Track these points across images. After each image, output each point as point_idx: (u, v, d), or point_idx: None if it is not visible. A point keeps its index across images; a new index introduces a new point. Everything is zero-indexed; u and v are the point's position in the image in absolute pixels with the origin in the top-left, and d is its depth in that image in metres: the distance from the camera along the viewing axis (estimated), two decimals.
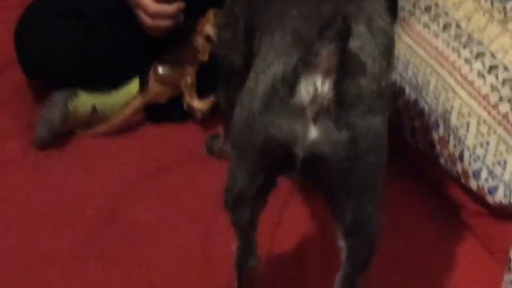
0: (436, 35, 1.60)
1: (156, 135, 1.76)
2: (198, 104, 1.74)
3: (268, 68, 1.17)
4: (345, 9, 1.18)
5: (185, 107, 1.75)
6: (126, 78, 1.76)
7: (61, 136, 1.71)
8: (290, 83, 1.13)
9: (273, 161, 1.18)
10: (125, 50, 1.73)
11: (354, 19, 1.15)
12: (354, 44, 1.14)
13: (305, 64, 1.12)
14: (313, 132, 1.13)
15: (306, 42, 1.14)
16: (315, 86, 1.11)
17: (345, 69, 1.12)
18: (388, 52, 1.23)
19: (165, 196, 1.61)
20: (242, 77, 1.25)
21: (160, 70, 1.73)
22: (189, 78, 1.74)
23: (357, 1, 1.23)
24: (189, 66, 1.74)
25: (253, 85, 1.19)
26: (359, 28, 1.17)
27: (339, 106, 1.12)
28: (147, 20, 1.65)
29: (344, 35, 1.11)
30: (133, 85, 1.77)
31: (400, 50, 1.65)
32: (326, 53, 1.10)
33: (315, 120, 1.12)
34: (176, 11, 1.65)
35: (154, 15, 1.64)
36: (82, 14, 1.71)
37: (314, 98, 1.11)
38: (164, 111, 1.76)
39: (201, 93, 1.75)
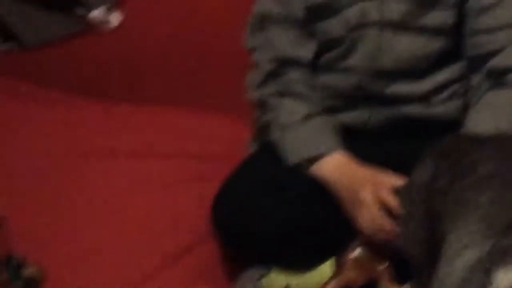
0: None
1: None
2: None
3: (462, 255, 1.15)
4: None
5: None
6: (321, 258, 1.76)
7: None
8: (486, 270, 1.11)
9: None
10: (323, 228, 1.74)
11: None
12: None
13: (502, 253, 1.10)
14: None
15: (498, 230, 1.12)
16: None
17: None
18: None
19: None
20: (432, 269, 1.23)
21: (358, 252, 1.72)
22: (387, 262, 1.72)
23: None
24: (387, 248, 1.72)
25: (446, 272, 1.16)
26: None
27: None
28: (368, 225, 1.65)
29: None
30: (327, 267, 1.76)
31: None
32: None
33: None
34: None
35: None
36: (284, 187, 1.74)
37: None
38: None
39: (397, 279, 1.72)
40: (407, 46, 1.74)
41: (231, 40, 2.13)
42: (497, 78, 1.71)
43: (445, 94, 1.78)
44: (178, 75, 2.34)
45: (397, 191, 1.58)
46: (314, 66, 1.82)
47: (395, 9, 1.73)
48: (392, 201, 1.60)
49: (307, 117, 1.77)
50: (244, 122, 2.01)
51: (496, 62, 1.72)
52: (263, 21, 1.82)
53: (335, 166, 1.71)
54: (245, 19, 1.90)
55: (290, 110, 1.79)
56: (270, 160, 1.78)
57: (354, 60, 1.77)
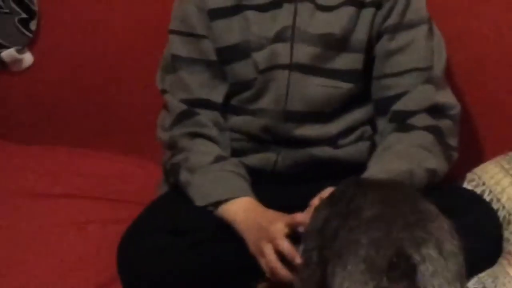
0: None
1: None
2: None
3: None
4: (414, 235, 1.18)
5: None
6: None
7: None
8: None
9: None
10: (227, 270, 1.71)
11: (424, 244, 1.16)
12: (426, 268, 1.14)
13: None
14: None
15: (378, 271, 1.14)
16: None
17: None
18: (460, 276, 1.22)
19: None
20: None
21: None
22: None
23: (425, 225, 1.24)
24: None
25: None
26: (430, 252, 1.17)
27: None
28: (269, 274, 1.62)
29: (410, 275, 1.11)
30: None
31: (507, 284, 1.61)
32: None
33: None
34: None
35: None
36: (188, 231, 1.71)
37: None
38: None
39: None
40: (316, 89, 1.76)
41: (142, 78, 2.14)
42: (400, 121, 1.74)
43: (353, 136, 1.80)
44: (90, 115, 2.34)
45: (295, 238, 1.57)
46: (225, 108, 1.83)
47: (304, 53, 1.75)
48: (288, 250, 1.58)
49: (217, 159, 1.77)
50: (157, 162, 2.00)
51: (398, 106, 1.75)
52: (174, 63, 1.83)
53: (242, 209, 1.70)
54: (157, 57, 1.91)
55: (201, 153, 1.78)
56: (176, 203, 1.76)
57: (264, 102, 1.78)
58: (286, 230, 1.60)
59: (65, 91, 2.32)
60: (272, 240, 1.59)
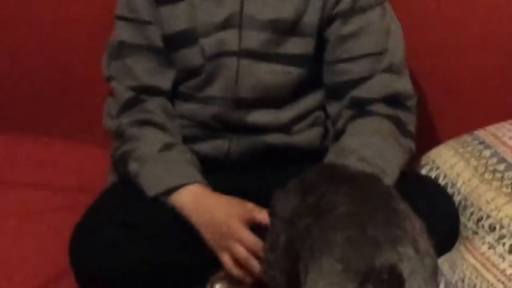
0: (502, 257, 1.56)
1: None
2: None
3: None
4: (390, 233, 1.16)
5: None
6: None
7: None
8: None
9: None
10: (181, 263, 1.68)
11: (400, 242, 1.14)
12: (404, 268, 1.13)
13: None
14: None
15: (354, 274, 1.12)
16: None
17: None
18: (435, 274, 1.22)
19: None
20: None
21: (218, 286, 1.70)
22: None
23: (399, 223, 1.22)
24: (246, 283, 1.71)
25: None
26: (407, 251, 1.16)
27: None
28: (243, 254, 1.59)
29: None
30: None
31: (465, 271, 1.61)
32: None
33: None
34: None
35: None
36: (139, 224, 1.68)
37: None
38: None
39: None
40: (266, 75, 1.73)
41: (90, 66, 2.09)
42: (361, 107, 1.72)
43: (306, 122, 1.78)
44: (39, 103, 2.28)
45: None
46: (173, 95, 1.79)
47: (253, 38, 1.71)
48: (256, 245, 1.56)
49: (165, 147, 1.73)
50: (105, 151, 1.96)
51: (359, 92, 1.72)
52: (121, 49, 1.78)
53: (192, 197, 1.67)
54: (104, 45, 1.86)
55: (149, 141, 1.74)
56: (126, 194, 1.72)
57: (213, 89, 1.75)
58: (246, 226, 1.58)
59: (13, 76, 2.27)
60: (237, 240, 1.58)
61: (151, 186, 1.69)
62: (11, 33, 2.24)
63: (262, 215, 1.57)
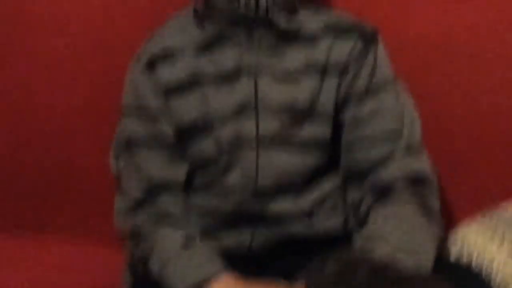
0: None
1: None
2: None
3: None
4: None
5: None
6: None
7: None
8: None
9: None
10: None
11: None
12: None
13: None
14: None
15: None
16: None
17: None
18: None
19: None
20: None
21: None
22: None
23: None
24: None
25: None
26: None
27: None
28: None
29: None
30: None
31: None
32: None
33: None
34: None
35: None
36: None
37: None
38: None
39: None
40: (284, 162, 1.68)
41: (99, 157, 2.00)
42: (382, 191, 1.67)
43: (326, 207, 1.73)
44: (45, 198, 2.19)
45: None
46: (188, 187, 1.73)
47: (270, 126, 1.67)
48: None
49: (187, 243, 1.67)
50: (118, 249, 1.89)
51: (379, 175, 1.67)
52: (129, 146, 1.73)
53: (225, 286, 1.61)
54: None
55: (168, 240, 1.68)
56: None
57: (232, 179, 1.69)
58: None
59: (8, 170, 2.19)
60: None
61: (179, 282, 1.63)
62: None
63: None
